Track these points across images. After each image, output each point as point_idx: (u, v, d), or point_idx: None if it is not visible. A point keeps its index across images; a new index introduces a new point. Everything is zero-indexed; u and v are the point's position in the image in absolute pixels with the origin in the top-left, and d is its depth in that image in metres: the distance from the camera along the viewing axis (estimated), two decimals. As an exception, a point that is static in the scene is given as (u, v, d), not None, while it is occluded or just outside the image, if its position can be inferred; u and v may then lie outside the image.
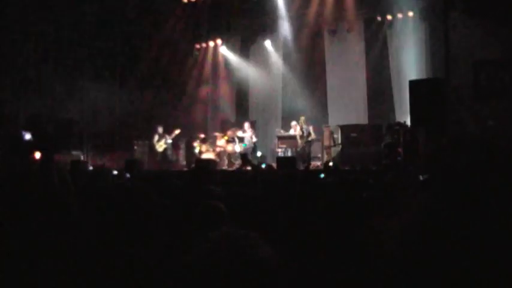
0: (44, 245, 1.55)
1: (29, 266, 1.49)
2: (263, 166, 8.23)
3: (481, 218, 1.11)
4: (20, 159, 8.58)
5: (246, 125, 12.74)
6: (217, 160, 12.23)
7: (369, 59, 12.90)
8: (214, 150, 12.70)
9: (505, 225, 1.10)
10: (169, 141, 13.07)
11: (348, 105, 13.10)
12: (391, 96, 12.46)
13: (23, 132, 10.56)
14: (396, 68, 12.45)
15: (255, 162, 10.75)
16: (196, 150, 12.88)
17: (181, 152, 13.94)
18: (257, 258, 0.94)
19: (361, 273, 1.58)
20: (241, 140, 12.47)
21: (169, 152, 13.29)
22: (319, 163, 11.90)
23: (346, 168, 9.55)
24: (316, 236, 2.17)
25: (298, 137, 11.62)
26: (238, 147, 12.39)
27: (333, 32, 13.30)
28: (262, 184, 4.23)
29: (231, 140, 12.53)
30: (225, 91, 15.15)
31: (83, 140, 13.33)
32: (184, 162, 13.67)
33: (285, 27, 13.88)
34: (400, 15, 12.27)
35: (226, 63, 15.12)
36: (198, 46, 15.47)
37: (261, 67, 14.58)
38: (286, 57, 14.17)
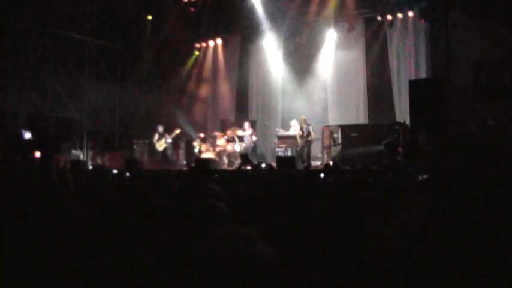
0: (44, 244, 1.55)
1: (29, 266, 1.49)
2: (263, 166, 8.23)
3: (481, 218, 1.11)
4: (20, 159, 8.57)
5: (246, 124, 12.74)
6: (217, 159, 12.23)
7: (369, 58, 12.90)
8: (214, 150, 12.70)
9: (505, 225, 1.10)
10: (169, 140, 13.07)
11: (348, 105, 13.11)
12: (391, 96, 12.46)
13: (23, 132, 10.56)
14: (396, 68, 12.45)
15: (255, 161, 10.74)
16: (196, 150, 12.89)
17: (181, 152, 13.95)
18: (257, 258, 0.94)
19: (361, 273, 1.58)
20: (241, 139, 12.47)
21: (169, 152, 13.29)
22: (318, 163, 11.90)
23: (346, 168, 9.55)
24: (316, 236, 2.17)
25: (298, 137, 11.62)
26: (238, 147, 12.39)
27: (334, 32, 13.30)
28: (262, 184, 4.23)
29: (230, 140, 12.53)
30: (225, 90, 15.15)
31: (83, 140, 13.34)
32: (184, 162, 13.67)
33: (285, 28, 13.90)
34: (400, 15, 12.27)
35: (227, 62, 15.12)
36: (198, 45, 15.48)
37: (261, 67, 14.58)
38: (286, 57, 14.17)
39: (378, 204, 2.31)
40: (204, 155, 12.44)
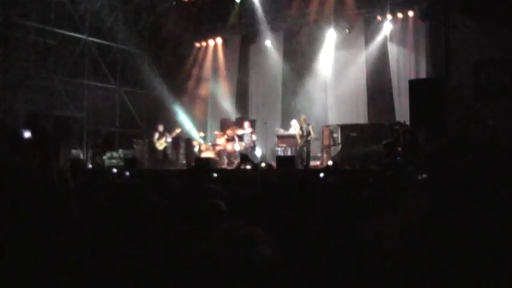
0: (44, 244, 1.55)
1: (29, 266, 1.49)
2: (263, 165, 8.24)
3: (481, 218, 1.11)
4: (19, 158, 8.57)
5: (246, 123, 12.74)
6: (217, 159, 12.23)
7: (369, 58, 12.90)
8: (214, 149, 12.70)
9: (505, 225, 1.10)
10: (169, 139, 13.07)
11: (348, 105, 13.11)
12: (391, 95, 12.46)
13: (22, 131, 10.55)
14: (396, 68, 12.45)
15: (255, 161, 10.74)
16: (196, 149, 12.88)
17: (181, 151, 13.95)
18: (257, 258, 0.94)
19: (360, 273, 1.58)
20: (240, 138, 12.47)
21: (169, 151, 13.29)
22: (318, 162, 11.90)
23: (346, 167, 9.55)
24: (316, 236, 2.17)
25: (297, 136, 11.62)
26: (238, 146, 12.39)
27: (333, 31, 13.29)
28: (262, 183, 4.24)
29: (230, 139, 12.53)
30: (225, 90, 15.15)
31: (83, 139, 13.34)
32: (184, 161, 13.67)
33: (285, 28, 13.89)
34: (400, 15, 12.27)
35: (227, 62, 15.12)
36: (198, 45, 15.47)
37: (261, 66, 14.58)
38: (286, 56, 14.17)
39: (378, 204, 2.31)
40: (204, 155, 12.44)
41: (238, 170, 9.63)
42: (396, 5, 12.18)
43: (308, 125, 11.53)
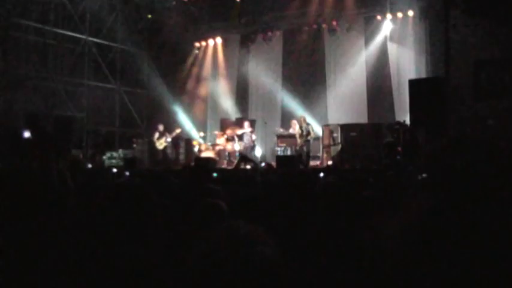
0: (44, 244, 1.55)
1: (29, 266, 1.49)
2: (262, 165, 8.23)
3: (481, 217, 1.11)
4: (19, 158, 8.57)
5: (246, 123, 12.74)
6: (217, 159, 12.23)
7: (369, 58, 12.90)
8: (213, 149, 12.70)
9: (505, 225, 1.10)
10: (169, 139, 13.08)
11: (348, 104, 13.11)
12: (391, 95, 12.46)
13: (22, 131, 10.56)
14: (396, 67, 12.45)
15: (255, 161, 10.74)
16: (196, 149, 12.88)
17: (181, 151, 13.95)
18: (257, 258, 0.94)
19: (360, 273, 1.58)
20: (240, 138, 12.47)
21: (169, 151, 13.29)
22: (318, 162, 11.90)
23: (346, 167, 9.55)
24: (316, 236, 2.17)
25: (297, 136, 11.62)
26: (237, 146, 12.39)
27: (333, 31, 13.30)
28: (262, 183, 4.23)
29: (230, 139, 12.53)
30: (225, 89, 15.15)
31: (83, 139, 13.33)
32: (184, 161, 13.67)
33: (285, 28, 13.89)
34: (400, 15, 12.27)
35: (226, 61, 15.12)
36: (198, 44, 15.47)
37: (261, 66, 14.58)
38: (286, 56, 14.17)
39: (378, 204, 2.31)
40: (204, 154, 12.44)
41: (238, 170, 9.62)
42: (396, 4, 12.17)
43: (308, 124, 11.54)
